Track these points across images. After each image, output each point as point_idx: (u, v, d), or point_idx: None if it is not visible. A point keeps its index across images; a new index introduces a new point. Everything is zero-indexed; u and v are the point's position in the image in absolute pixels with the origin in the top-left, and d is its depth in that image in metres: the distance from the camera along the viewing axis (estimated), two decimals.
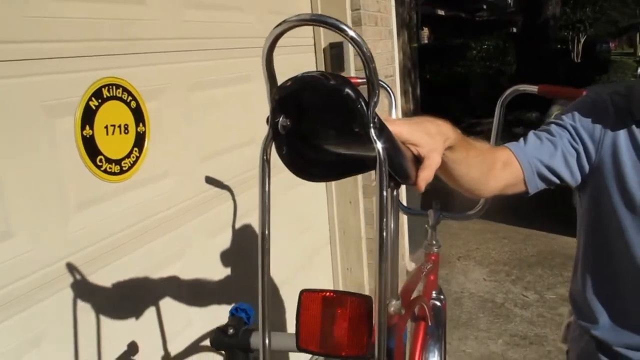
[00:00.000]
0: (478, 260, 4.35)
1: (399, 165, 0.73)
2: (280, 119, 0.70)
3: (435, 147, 0.83)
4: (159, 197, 1.82)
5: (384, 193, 0.65)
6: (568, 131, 1.15)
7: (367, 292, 3.40)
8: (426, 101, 10.58)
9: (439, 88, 11.37)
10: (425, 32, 16.45)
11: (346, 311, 0.88)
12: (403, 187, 3.30)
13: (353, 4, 2.98)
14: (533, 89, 1.57)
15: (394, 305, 0.99)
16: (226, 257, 2.19)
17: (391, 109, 1.80)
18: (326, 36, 2.96)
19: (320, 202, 3.18)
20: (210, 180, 2.08)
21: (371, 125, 0.65)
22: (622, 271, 1.18)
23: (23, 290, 1.38)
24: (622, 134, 1.13)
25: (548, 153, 1.13)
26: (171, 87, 1.87)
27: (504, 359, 3.00)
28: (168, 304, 1.86)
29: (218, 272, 2.16)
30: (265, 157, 0.72)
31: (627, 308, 1.19)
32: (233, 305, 1.28)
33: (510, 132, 9.68)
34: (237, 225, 2.25)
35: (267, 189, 0.73)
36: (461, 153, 0.97)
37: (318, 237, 3.17)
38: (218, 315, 2.14)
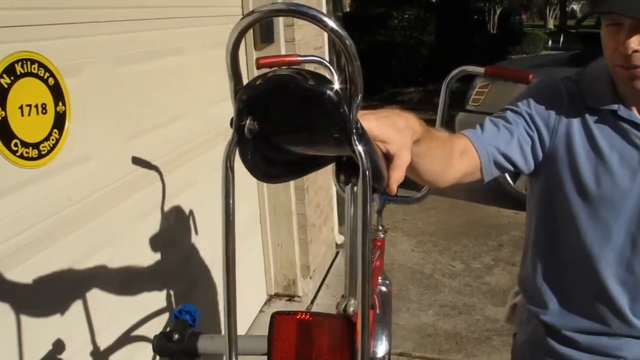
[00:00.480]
0: (405, 232, 4.41)
1: (375, 168, 0.66)
2: (247, 121, 0.61)
3: (404, 144, 0.78)
4: (82, 182, 1.68)
5: (368, 205, 0.58)
6: (524, 118, 1.14)
7: (297, 268, 3.36)
8: None
9: (362, 57, 11.34)
10: (347, 0, 16.37)
11: (325, 335, 0.81)
12: None
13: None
14: (480, 70, 1.55)
15: (353, 304, 0.93)
16: (157, 241, 2.08)
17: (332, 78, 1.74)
18: (256, 6, 2.84)
19: (249, 178, 3.09)
20: (137, 161, 1.94)
21: (354, 131, 0.58)
22: (572, 258, 1.19)
23: None
24: (576, 122, 1.13)
25: (504, 140, 1.12)
26: (95, 61, 1.71)
27: (435, 329, 3.05)
28: (96, 296, 1.73)
29: (148, 257, 2.04)
30: (228, 164, 0.62)
31: (575, 294, 1.21)
32: (177, 307, 1.19)
33: (431, 101, 9.87)
34: (167, 207, 2.13)
35: (231, 201, 0.64)
36: (425, 145, 0.93)
37: (248, 214, 3.08)
38: (150, 303, 2.03)
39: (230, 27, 0.61)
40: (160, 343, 1.09)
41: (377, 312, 1.43)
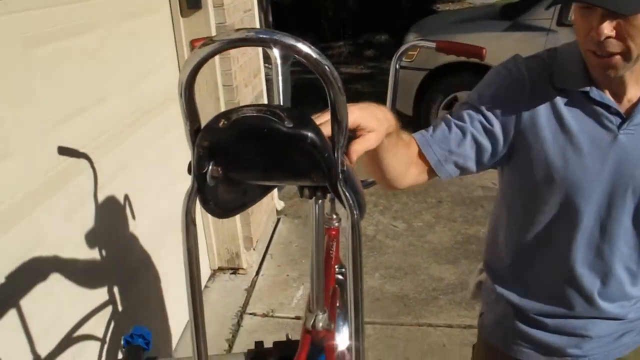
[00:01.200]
0: None
1: (358, 202, 0.59)
2: (209, 167, 0.52)
3: (378, 131, 0.84)
4: (5, 181, 1.52)
5: (359, 255, 0.51)
6: (481, 112, 1.11)
7: (240, 240, 3.29)
8: (276, 24, 10.32)
9: (289, 12, 11.10)
10: None
11: None
12: None
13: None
14: (431, 44, 1.48)
15: (321, 319, 0.88)
16: (92, 234, 1.95)
17: (277, 74, 1.63)
18: None
19: (187, 153, 2.96)
20: (63, 151, 1.78)
21: (340, 176, 0.50)
22: (543, 243, 1.18)
23: None
24: (542, 107, 1.10)
25: (456, 141, 1.11)
26: (1, 44, 1.54)
27: (383, 292, 3.07)
28: (33, 299, 1.60)
29: (85, 252, 1.91)
30: (189, 218, 0.53)
31: (545, 278, 1.20)
32: (127, 332, 1.09)
33: (361, 55, 9.81)
34: (100, 196, 1.99)
35: (194, 257, 0.55)
36: (394, 140, 0.96)
37: (186, 190, 2.96)
38: (91, 300, 1.92)
39: None
40: None
41: (338, 305, 1.39)
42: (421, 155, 1.10)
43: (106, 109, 2.06)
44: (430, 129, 1.13)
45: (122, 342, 1.06)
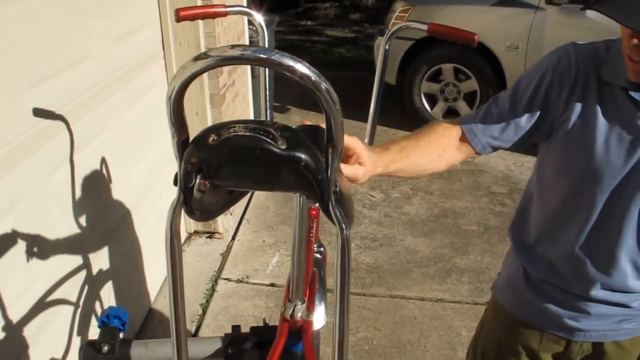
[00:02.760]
0: None
1: (347, 215, 0.59)
2: (197, 181, 0.51)
3: (367, 168, 1.02)
4: None
5: (347, 271, 0.51)
6: (526, 98, 1.18)
7: None
8: None
9: None
10: None
11: None
12: None
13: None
14: (423, 27, 1.46)
15: (300, 309, 0.88)
16: (69, 196, 1.92)
17: (263, 42, 1.60)
18: None
19: (164, 115, 2.91)
20: (39, 113, 1.74)
21: (332, 197, 0.50)
22: (559, 222, 1.24)
23: None
24: (584, 97, 1.13)
25: (498, 129, 1.20)
26: None
27: (357, 262, 3.10)
28: (7, 264, 1.58)
29: (61, 215, 1.89)
30: (173, 230, 0.52)
31: (554, 253, 1.27)
32: (104, 312, 1.07)
33: (347, 18, 9.68)
34: (77, 159, 1.95)
35: (178, 273, 0.53)
36: (398, 165, 1.12)
37: (164, 154, 2.93)
38: (66, 263, 1.90)
39: None
40: (88, 355, 0.99)
41: (317, 286, 1.39)
42: (464, 139, 1.21)
43: (83, 69, 2.00)
44: (476, 115, 1.23)
45: (98, 323, 1.06)
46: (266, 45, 1.65)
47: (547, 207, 1.27)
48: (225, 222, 3.36)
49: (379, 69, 1.57)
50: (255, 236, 3.37)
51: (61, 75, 1.87)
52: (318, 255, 1.61)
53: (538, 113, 1.17)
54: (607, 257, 1.20)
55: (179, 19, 1.34)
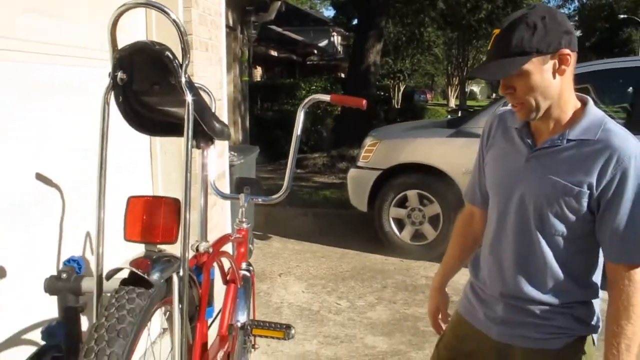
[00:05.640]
0: (298, 276, 4.67)
1: (208, 121, 1.00)
2: (119, 73, 0.93)
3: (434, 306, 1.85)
4: None
5: (190, 141, 0.89)
6: (478, 153, 1.66)
7: None
8: (257, 134, 11.02)
9: (270, 123, 11.90)
10: (259, 70, 17.08)
11: (160, 210, 1.09)
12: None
13: (186, 30, 3.05)
14: (326, 97, 1.91)
15: (203, 245, 1.21)
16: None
17: (211, 104, 2.05)
18: None
19: None
20: None
21: (182, 77, 0.91)
22: (487, 236, 1.61)
23: None
24: (496, 139, 1.58)
25: (477, 178, 1.68)
26: None
27: (318, 356, 3.28)
28: None
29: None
30: (105, 102, 0.92)
31: (485, 261, 1.60)
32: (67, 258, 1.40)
33: (334, 167, 10.40)
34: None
35: (105, 131, 0.92)
36: (456, 268, 1.79)
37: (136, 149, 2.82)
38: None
39: None
40: (51, 283, 1.33)
41: (239, 286, 1.70)
42: (474, 209, 1.71)
43: None
44: (469, 186, 1.73)
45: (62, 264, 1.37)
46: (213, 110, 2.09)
47: (486, 231, 1.64)
48: None
49: (296, 134, 1.99)
50: None
51: None
52: (247, 273, 1.91)
53: (481, 159, 1.65)
54: (504, 262, 1.51)
55: None
